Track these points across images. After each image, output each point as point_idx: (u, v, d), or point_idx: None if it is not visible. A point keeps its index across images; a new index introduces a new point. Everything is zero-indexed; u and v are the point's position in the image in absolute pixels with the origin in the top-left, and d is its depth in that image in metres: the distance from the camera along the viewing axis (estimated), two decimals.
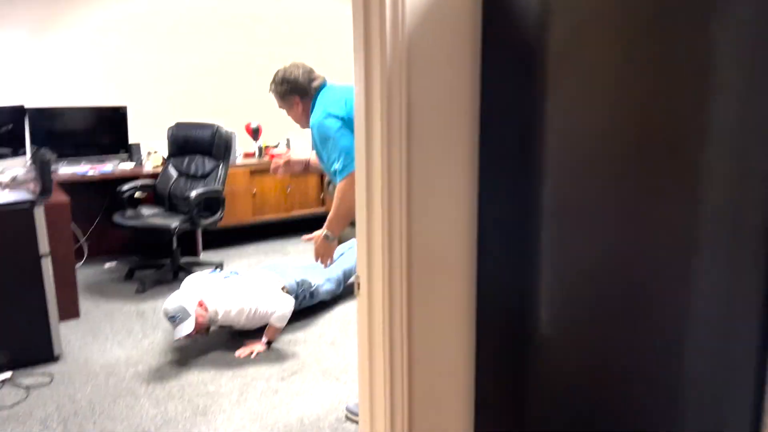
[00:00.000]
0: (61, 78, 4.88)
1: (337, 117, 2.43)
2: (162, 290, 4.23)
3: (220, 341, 3.45)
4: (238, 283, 3.42)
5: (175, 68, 5.33)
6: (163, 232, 4.09)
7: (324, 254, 2.57)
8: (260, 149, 5.50)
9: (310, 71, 2.63)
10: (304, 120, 2.67)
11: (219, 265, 4.63)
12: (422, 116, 1.55)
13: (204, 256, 5.09)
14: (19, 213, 3.00)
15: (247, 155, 5.54)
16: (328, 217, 2.49)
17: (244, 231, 5.62)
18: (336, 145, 2.41)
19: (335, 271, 3.93)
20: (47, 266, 3.10)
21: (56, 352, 3.17)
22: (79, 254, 4.96)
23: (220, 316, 3.26)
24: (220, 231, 5.19)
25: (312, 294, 3.73)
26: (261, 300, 3.28)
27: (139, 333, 3.55)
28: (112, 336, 3.51)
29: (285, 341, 3.43)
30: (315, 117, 2.51)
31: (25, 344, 3.09)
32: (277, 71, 2.64)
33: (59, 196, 3.70)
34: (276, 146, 5.68)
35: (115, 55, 5.07)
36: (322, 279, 3.83)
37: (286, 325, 3.39)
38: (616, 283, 1.28)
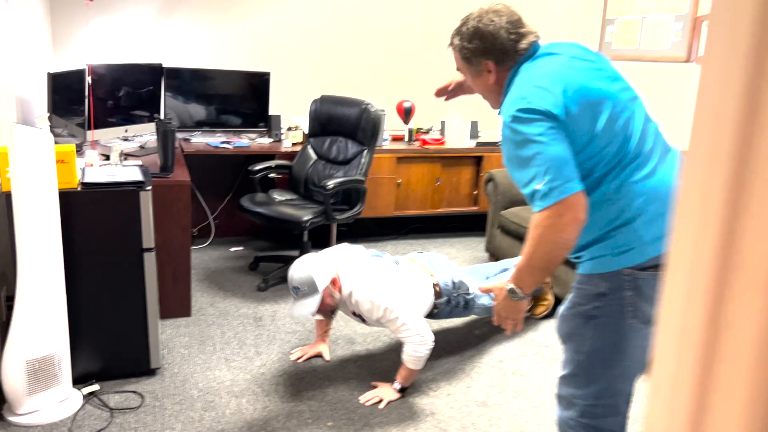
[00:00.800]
0: (201, 39, 4.42)
1: (543, 113, 1.56)
2: (285, 291, 3.65)
3: (343, 374, 2.77)
4: (384, 269, 2.73)
5: (324, 34, 4.70)
6: (293, 225, 3.49)
7: (508, 317, 1.72)
8: (410, 132, 4.76)
9: (517, 23, 1.70)
10: (494, 96, 1.77)
11: None
12: None
13: None
14: (122, 197, 2.47)
15: (395, 138, 4.83)
16: (517, 266, 1.64)
17: (384, 224, 4.95)
18: (538, 155, 1.54)
19: None
20: (151, 263, 2.56)
21: (153, 364, 2.66)
22: (206, 233, 4.54)
23: (352, 303, 2.60)
24: (357, 223, 4.54)
25: (467, 303, 2.94)
26: (402, 302, 2.57)
27: (252, 348, 2.97)
28: (221, 347, 2.96)
29: (422, 387, 2.68)
30: (507, 106, 1.62)
31: (119, 353, 2.60)
32: (467, 17, 1.74)
33: (181, 174, 3.19)
34: (428, 131, 4.91)
35: (260, 16, 4.52)
36: None
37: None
38: None
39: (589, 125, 1.56)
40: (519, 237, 3.82)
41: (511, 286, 1.65)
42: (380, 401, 2.56)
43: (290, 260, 3.84)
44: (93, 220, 2.44)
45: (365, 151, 3.84)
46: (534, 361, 2.97)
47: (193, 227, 4.49)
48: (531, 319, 3.42)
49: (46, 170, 2.22)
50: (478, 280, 3.08)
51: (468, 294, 2.93)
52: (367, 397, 2.58)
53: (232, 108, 4.42)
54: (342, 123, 3.92)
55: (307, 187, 3.95)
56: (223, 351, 2.93)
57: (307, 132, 4.19)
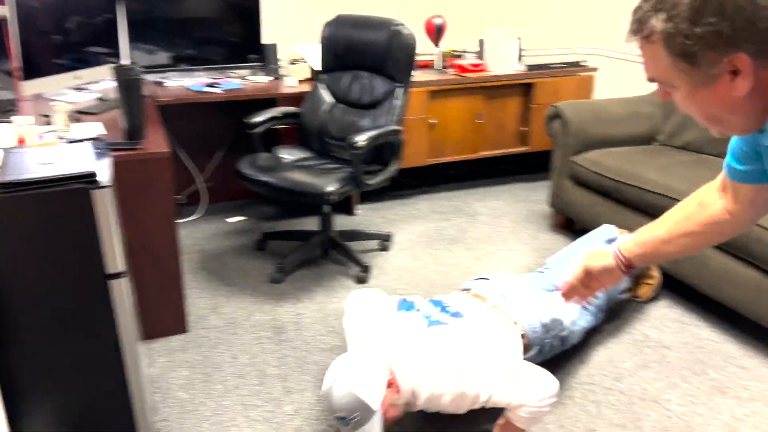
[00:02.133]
0: None
1: None
2: (309, 278, 2.81)
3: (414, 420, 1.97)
4: (451, 339, 1.87)
5: None
6: (314, 197, 2.59)
7: (589, 285, 1.35)
8: (442, 57, 3.79)
9: None
10: (744, 114, 0.95)
11: (386, 238, 3.13)
12: None
13: (362, 213, 3.60)
14: (65, 201, 1.56)
15: (422, 66, 3.86)
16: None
17: (417, 175, 4.05)
18: None
19: None
20: (122, 292, 1.68)
21: (134, 425, 1.83)
22: (195, 200, 3.63)
23: (422, 401, 1.77)
24: None
25: (563, 339, 2.13)
26: (491, 377, 1.74)
27: (277, 381, 2.15)
28: (233, 383, 2.14)
29: None
30: None
31: (86, 425, 1.76)
32: None
33: (156, 140, 2.27)
34: (462, 54, 3.94)
35: None
36: (577, 309, 2.21)
37: None
38: None
39: None
40: (599, 190, 2.96)
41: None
42: None
43: (309, 236, 2.99)
44: (22, 241, 1.54)
45: (398, 90, 2.89)
46: (663, 376, 2.18)
47: (179, 193, 3.58)
48: (634, 305, 2.62)
49: None
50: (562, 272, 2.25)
51: (563, 329, 2.10)
52: None
53: (214, 37, 3.40)
54: (365, 53, 2.95)
55: (322, 140, 3.03)
56: (238, 390, 2.10)
57: (317, 67, 3.22)
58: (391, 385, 1.72)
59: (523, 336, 1.99)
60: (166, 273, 2.30)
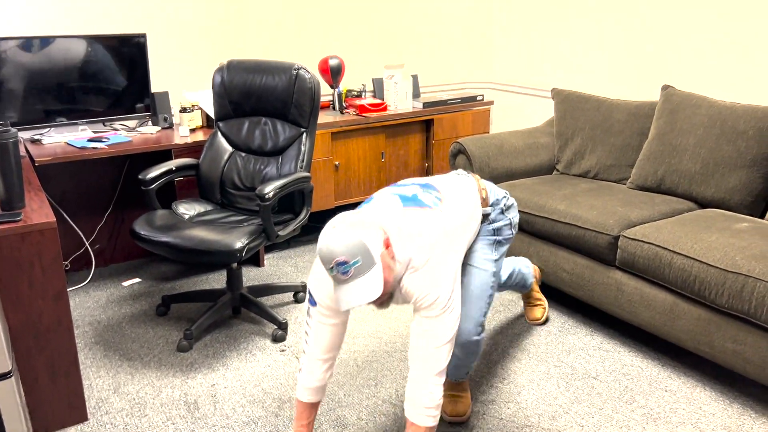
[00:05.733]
0: None
1: None
2: (220, 343, 2.59)
3: None
4: (443, 218, 1.78)
5: None
6: (222, 255, 2.41)
7: None
8: (340, 98, 3.72)
9: None
10: None
11: (300, 289, 2.98)
12: None
13: (269, 265, 3.42)
14: None
15: (321, 107, 3.78)
16: None
17: (321, 219, 3.93)
18: None
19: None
20: (8, 392, 1.44)
21: None
22: (83, 264, 3.31)
23: (408, 288, 1.68)
24: None
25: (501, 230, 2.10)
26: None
27: None
28: None
29: None
30: None
31: None
32: None
33: (39, 208, 2.01)
34: (360, 93, 3.90)
35: None
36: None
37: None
38: None
39: None
40: None
41: None
42: None
43: (216, 296, 2.78)
44: None
45: (304, 135, 2.78)
46: (596, 409, 2.17)
47: (65, 259, 3.24)
48: (554, 335, 2.63)
49: None
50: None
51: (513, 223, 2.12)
52: None
53: (97, 86, 3.14)
54: (264, 98, 2.82)
55: (225, 191, 2.85)
56: None
57: (212, 114, 3.05)
58: (387, 246, 1.58)
59: (483, 191, 2.01)
60: (58, 357, 2.02)
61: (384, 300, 1.68)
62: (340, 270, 1.53)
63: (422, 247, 1.66)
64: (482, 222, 2.03)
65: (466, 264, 2.03)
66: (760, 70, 2.93)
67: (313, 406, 1.84)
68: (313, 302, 1.77)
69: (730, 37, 3.02)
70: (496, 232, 2.06)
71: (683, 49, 3.22)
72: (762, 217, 2.64)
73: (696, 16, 3.14)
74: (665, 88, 2.97)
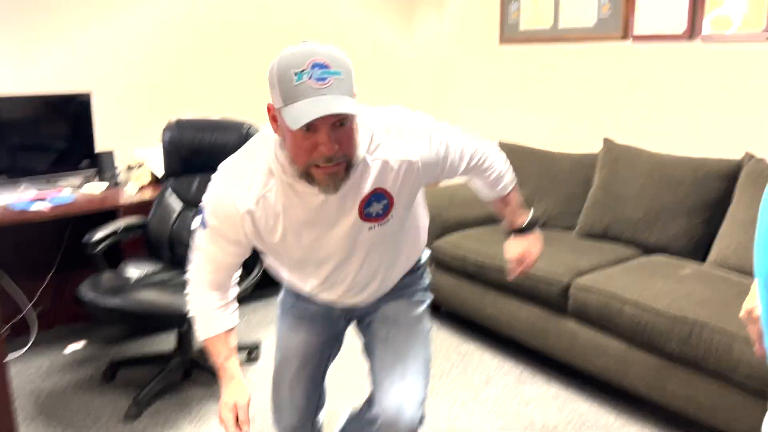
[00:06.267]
0: None
1: None
2: (171, 409, 2.49)
3: None
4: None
5: (163, 36, 3.48)
6: (172, 319, 2.34)
7: None
8: None
9: None
10: None
11: (254, 347, 2.91)
12: None
13: None
14: None
15: None
16: None
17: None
18: None
19: None
20: None
21: None
22: (22, 330, 3.16)
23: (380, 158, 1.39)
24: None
25: None
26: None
27: None
28: None
29: None
30: None
31: None
32: None
33: None
34: None
35: (67, 18, 3.20)
36: None
37: None
38: None
39: None
40: (463, 273, 3.01)
41: None
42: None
43: (166, 359, 2.69)
44: None
45: None
46: None
47: (4, 324, 3.09)
48: (510, 385, 2.63)
49: None
50: None
51: None
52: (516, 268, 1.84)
53: (38, 143, 3.06)
54: (215, 154, 2.79)
55: (174, 251, 2.79)
56: None
57: (161, 172, 3.00)
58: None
59: None
60: None
61: (342, 163, 1.25)
62: (316, 74, 1.16)
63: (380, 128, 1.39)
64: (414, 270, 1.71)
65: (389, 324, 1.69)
66: (692, 125, 3.08)
67: (227, 334, 1.54)
68: (205, 224, 1.42)
69: (664, 94, 3.17)
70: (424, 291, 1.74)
71: (620, 106, 3.37)
72: (703, 261, 2.74)
73: (631, 77, 3.29)
74: (606, 141, 3.09)
